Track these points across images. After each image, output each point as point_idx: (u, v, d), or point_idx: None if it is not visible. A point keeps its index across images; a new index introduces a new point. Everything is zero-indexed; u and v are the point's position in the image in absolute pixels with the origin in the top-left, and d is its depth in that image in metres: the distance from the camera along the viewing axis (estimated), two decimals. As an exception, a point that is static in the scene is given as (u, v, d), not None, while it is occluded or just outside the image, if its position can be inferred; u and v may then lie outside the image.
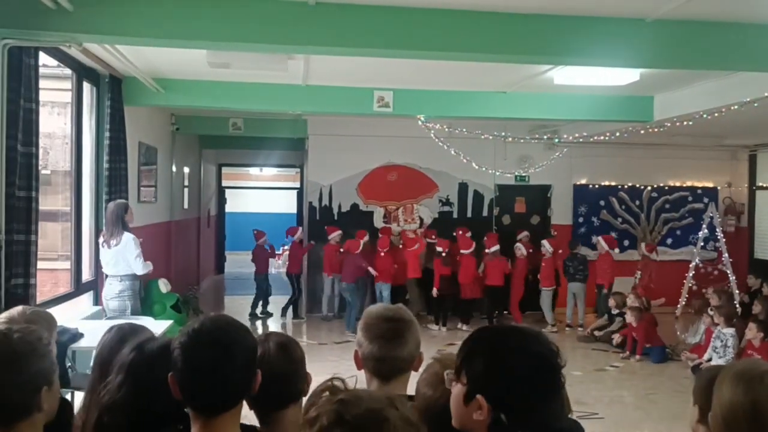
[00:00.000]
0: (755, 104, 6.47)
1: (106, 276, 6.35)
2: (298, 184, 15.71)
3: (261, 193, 21.09)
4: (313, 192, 11.84)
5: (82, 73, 6.77)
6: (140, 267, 6.23)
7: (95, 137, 7.13)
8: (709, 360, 8.13)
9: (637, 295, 9.67)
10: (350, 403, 1.28)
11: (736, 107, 6.78)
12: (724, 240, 11.69)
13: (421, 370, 2.25)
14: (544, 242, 10.86)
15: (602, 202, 12.50)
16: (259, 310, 11.51)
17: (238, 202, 20.05)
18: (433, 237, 10.99)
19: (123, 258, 6.20)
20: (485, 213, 12.19)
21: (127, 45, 5.83)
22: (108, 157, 7.03)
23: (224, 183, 17.21)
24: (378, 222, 11.88)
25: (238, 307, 12.70)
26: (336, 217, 11.75)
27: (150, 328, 2.66)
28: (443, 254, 10.58)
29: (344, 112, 8.49)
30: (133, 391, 2.00)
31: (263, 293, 11.53)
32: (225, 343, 1.79)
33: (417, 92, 8.28)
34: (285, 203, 19.90)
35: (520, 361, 1.64)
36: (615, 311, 10.07)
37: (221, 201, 17.10)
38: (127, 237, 6.24)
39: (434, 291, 10.66)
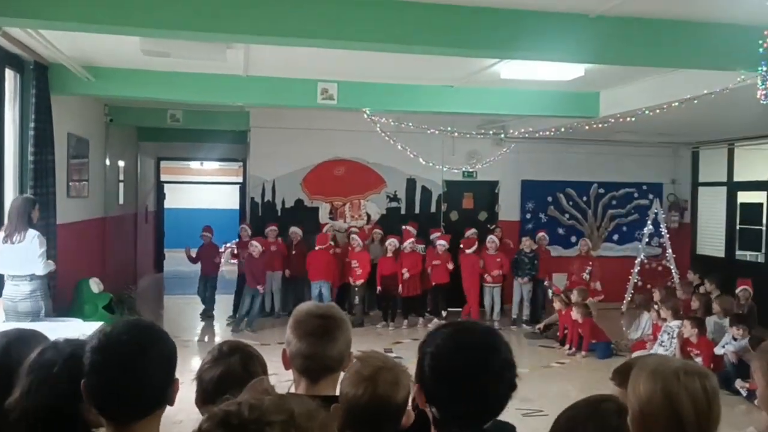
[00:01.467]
0: (695, 101, 6.68)
1: (10, 276, 6.00)
2: (240, 179, 15.54)
3: (202, 189, 20.80)
4: (256, 187, 11.73)
5: (4, 59, 6.52)
6: (41, 266, 5.94)
7: (19, 128, 6.88)
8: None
9: (582, 291, 9.87)
10: (249, 407, 1.15)
11: (676, 104, 7.00)
12: (668, 236, 12.09)
13: None
14: (492, 237, 10.99)
15: (549, 198, 12.74)
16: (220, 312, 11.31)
17: (178, 198, 19.70)
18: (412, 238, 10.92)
19: (27, 256, 5.92)
20: (433, 209, 12.28)
21: (53, 30, 5.63)
22: (33, 149, 6.79)
23: (163, 177, 16.89)
24: (324, 218, 11.85)
25: (177, 307, 12.49)
26: (279, 213, 11.67)
27: (50, 332, 2.33)
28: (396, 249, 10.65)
29: (287, 104, 8.43)
30: (43, 398, 1.91)
31: (211, 295, 11.30)
32: (137, 347, 1.74)
33: (362, 85, 8.28)
34: (227, 199, 19.66)
35: (448, 357, 1.66)
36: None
37: (160, 196, 16.78)
38: (32, 234, 5.95)
39: (378, 289, 10.79)
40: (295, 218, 11.47)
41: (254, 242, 10.32)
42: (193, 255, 11.13)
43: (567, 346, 9.43)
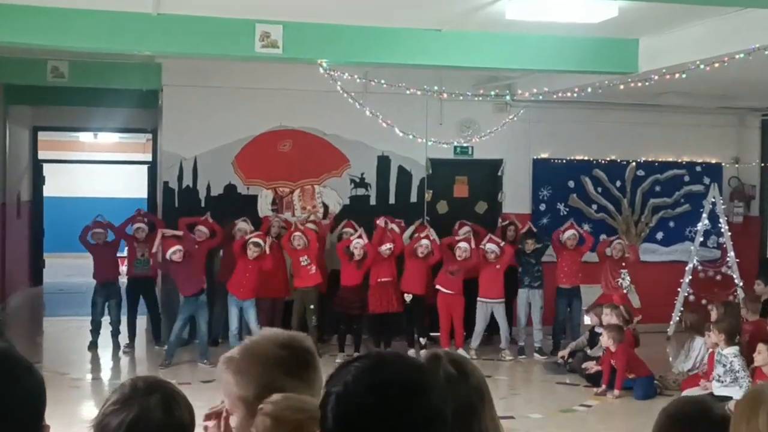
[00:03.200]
0: (766, 52, 6.77)
1: None
2: (149, 157, 15.45)
3: (96, 170, 20.58)
4: (171, 168, 11.69)
5: None
6: None
7: None
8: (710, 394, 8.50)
9: (615, 308, 9.98)
10: None
11: (741, 56, 7.07)
12: (729, 234, 12.29)
13: None
14: (491, 246, 11.03)
15: (572, 184, 12.86)
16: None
17: (62, 183, 19.48)
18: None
19: None
20: (414, 198, 12.32)
21: None
22: None
23: (41, 155, 16.70)
24: (265, 210, 11.84)
25: (62, 332, 12.38)
26: (203, 203, 11.63)
27: None
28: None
29: (214, 54, 8.40)
30: None
31: (117, 313, 11.25)
32: None
33: (317, 27, 8.26)
34: (131, 184, 19.50)
35: (358, 400, 1.68)
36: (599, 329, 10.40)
37: (37, 181, 16.60)
38: None
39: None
40: (224, 210, 11.42)
41: (175, 247, 10.29)
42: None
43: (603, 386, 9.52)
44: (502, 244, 11.15)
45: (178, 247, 10.28)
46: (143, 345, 11.61)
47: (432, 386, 1.74)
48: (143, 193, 15.93)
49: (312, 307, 10.80)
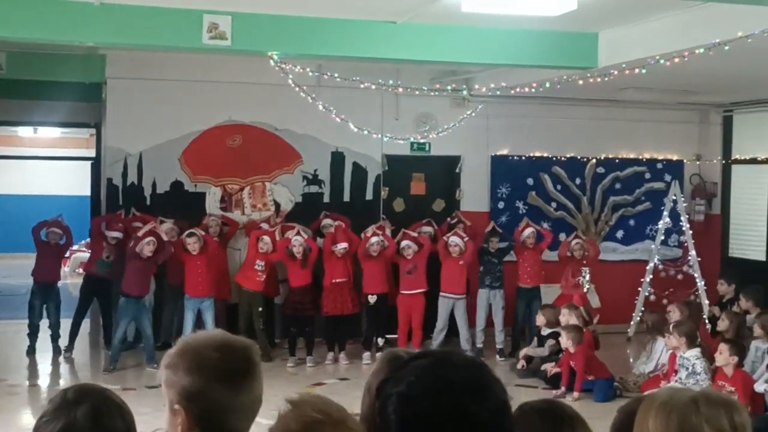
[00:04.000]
0: (726, 47, 6.88)
1: None
2: (92, 153, 15.28)
3: (35, 166, 20.35)
4: (115, 164, 11.59)
5: None
6: None
7: None
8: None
9: (574, 308, 10.08)
10: None
11: (701, 51, 7.19)
12: (691, 232, 12.47)
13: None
14: (456, 240, 11.08)
15: (531, 181, 12.97)
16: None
17: None
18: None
19: None
20: (370, 195, 12.35)
21: None
22: None
23: (-23, 150, 16.49)
24: (213, 208, 11.78)
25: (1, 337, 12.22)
26: (149, 201, 11.55)
27: None
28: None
29: (160, 46, 8.34)
30: None
31: (56, 316, 11.13)
32: None
33: (267, 18, 8.25)
34: (73, 181, 19.30)
35: (427, 401, 1.71)
36: (545, 331, 10.49)
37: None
38: None
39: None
40: (170, 208, 11.36)
41: (151, 238, 10.22)
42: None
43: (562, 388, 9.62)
44: (467, 239, 11.21)
45: (151, 239, 10.20)
46: (86, 349, 11.48)
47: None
48: (86, 191, 15.75)
49: (260, 309, 10.77)
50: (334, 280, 10.82)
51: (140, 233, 10.30)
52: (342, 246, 10.78)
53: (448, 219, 12.18)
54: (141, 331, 10.54)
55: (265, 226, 11.33)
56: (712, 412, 1.95)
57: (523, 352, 10.62)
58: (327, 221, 11.48)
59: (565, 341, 9.60)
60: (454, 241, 11.09)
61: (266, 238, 10.79)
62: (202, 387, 2.20)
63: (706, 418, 1.94)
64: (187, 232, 10.56)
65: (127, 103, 11.47)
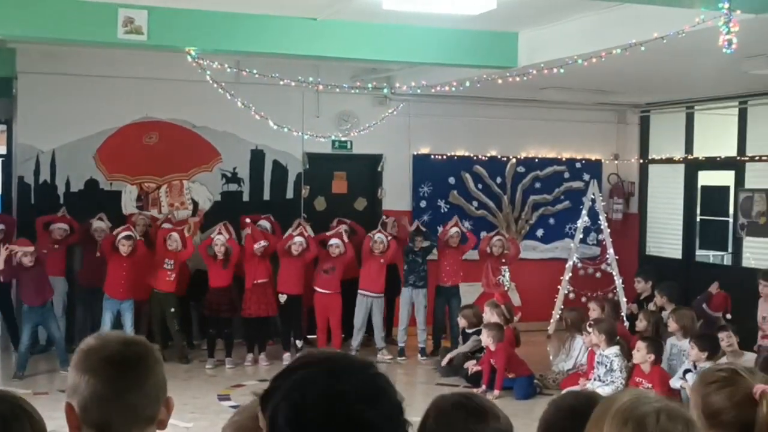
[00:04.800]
0: (642, 48, 7.04)
1: None
2: (3, 150, 14.95)
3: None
4: (27, 161, 11.37)
5: None
6: None
7: None
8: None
9: (495, 306, 10.19)
10: None
11: (618, 51, 7.33)
12: (609, 231, 12.73)
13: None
14: (380, 236, 11.10)
15: (452, 180, 13.07)
16: None
17: None
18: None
19: None
20: (290, 194, 12.30)
21: None
22: None
23: None
24: (129, 207, 11.63)
25: None
26: (62, 200, 11.34)
27: None
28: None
29: (73, 40, 8.19)
30: None
31: None
32: None
33: (184, 13, 8.18)
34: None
35: (319, 410, 1.68)
36: (470, 330, 10.59)
37: None
38: None
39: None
40: (85, 207, 11.15)
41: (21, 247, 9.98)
42: None
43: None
44: (390, 237, 11.24)
45: (30, 249, 9.95)
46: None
47: (387, 385, 1.76)
48: (-4, 189, 15.42)
49: (172, 311, 10.63)
50: (256, 281, 10.74)
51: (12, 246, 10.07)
52: (260, 244, 10.70)
53: (384, 218, 12.17)
54: (50, 336, 10.31)
55: (167, 225, 11.18)
56: (670, 426, 1.94)
57: (447, 357, 10.64)
58: (264, 222, 11.32)
59: (486, 339, 9.70)
60: (379, 237, 11.12)
61: (174, 235, 10.62)
62: (79, 380, 2.16)
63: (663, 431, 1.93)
64: (124, 233, 10.34)
65: (39, 98, 11.24)
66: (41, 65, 11.08)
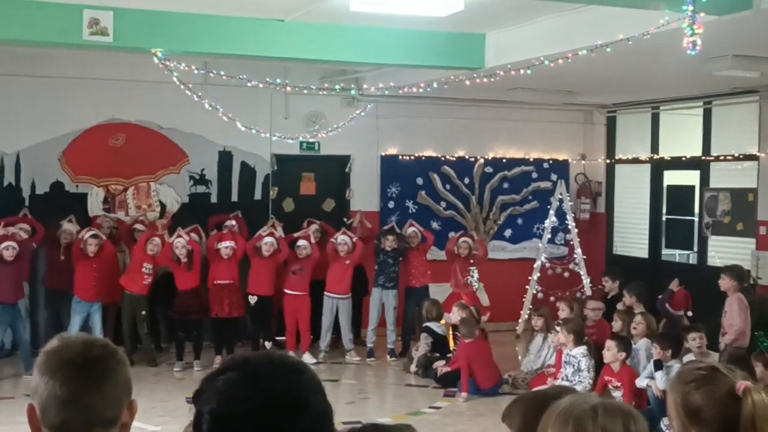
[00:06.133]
0: (608, 49, 7.10)
1: None
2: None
3: None
4: (-9, 164, 11.25)
5: None
6: None
7: None
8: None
9: (464, 307, 10.24)
10: None
11: (584, 53, 7.40)
12: (576, 231, 12.82)
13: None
14: (344, 238, 11.12)
15: (420, 180, 13.11)
16: None
17: None
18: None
19: None
20: (258, 195, 12.30)
21: None
22: None
23: None
24: (95, 209, 11.58)
25: None
26: (27, 202, 11.27)
27: None
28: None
29: (37, 41, 8.13)
30: None
31: None
32: None
33: (151, 14, 8.15)
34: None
35: (237, 415, 1.68)
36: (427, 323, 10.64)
37: None
38: None
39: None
40: (51, 210, 11.08)
41: (9, 242, 9.89)
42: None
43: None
44: (355, 238, 11.25)
45: (12, 243, 9.87)
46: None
47: (312, 388, 1.74)
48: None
49: (143, 313, 10.59)
50: (216, 282, 10.71)
51: None
52: (228, 244, 10.67)
53: (345, 219, 12.20)
54: (17, 338, 10.22)
55: (139, 227, 11.14)
56: (608, 421, 1.99)
57: (415, 360, 10.66)
58: (231, 222, 11.28)
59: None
60: (343, 239, 11.12)
61: (156, 240, 10.63)
62: (39, 382, 2.15)
63: (602, 427, 1.98)
64: (90, 233, 10.29)
65: (3, 100, 11.15)
66: (5, 66, 10.98)
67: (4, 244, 9.84)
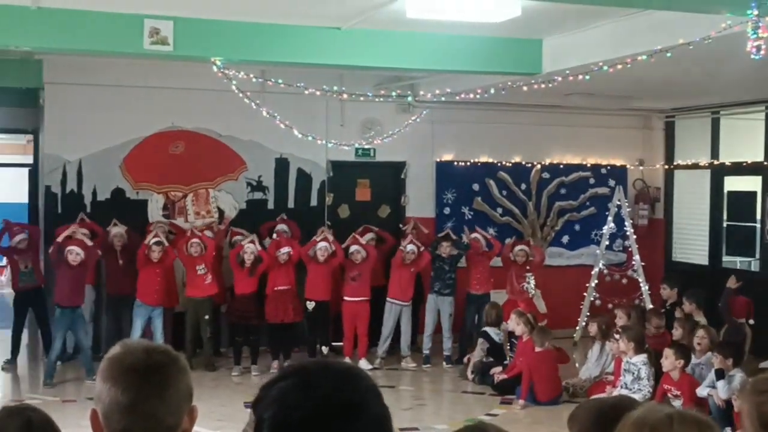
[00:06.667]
0: (668, 54, 7.01)
1: None
2: (30, 159, 15.07)
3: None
4: (54, 171, 11.45)
5: None
6: None
7: None
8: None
9: (521, 315, 10.16)
10: None
11: (644, 58, 7.31)
12: (635, 237, 12.66)
13: None
14: (412, 247, 11.12)
15: (476, 186, 13.05)
16: None
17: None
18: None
19: None
20: (314, 202, 12.34)
21: None
22: None
23: None
24: (155, 215, 11.69)
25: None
26: (89, 209, 11.41)
27: None
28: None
29: (99, 51, 8.24)
30: None
31: None
32: None
33: (210, 23, 8.23)
34: (10, 188, 18.98)
35: (293, 421, 1.69)
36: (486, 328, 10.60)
37: None
38: None
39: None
40: (112, 216, 11.21)
41: (73, 247, 10.06)
42: None
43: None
44: (422, 248, 11.24)
45: (77, 248, 10.04)
46: (25, 361, 11.29)
47: (368, 394, 1.75)
48: (23, 198, 15.53)
49: (207, 317, 10.69)
50: (276, 288, 10.78)
51: (60, 238, 10.17)
52: (285, 250, 10.74)
53: (401, 225, 12.19)
54: (78, 342, 10.39)
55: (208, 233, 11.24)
56: (684, 431, 1.97)
57: (471, 366, 10.61)
58: (281, 226, 11.39)
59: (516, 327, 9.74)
60: (411, 248, 11.13)
61: (194, 241, 10.71)
62: (102, 388, 2.17)
63: None
64: (154, 239, 10.45)
65: (66, 109, 11.33)
66: (68, 76, 11.17)
67: (69, 248, 10.02)
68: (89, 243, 10.27)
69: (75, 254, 10.00)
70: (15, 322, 11.02)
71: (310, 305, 10.92)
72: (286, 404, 1.70)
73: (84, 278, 10.37)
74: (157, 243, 10.43)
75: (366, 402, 1.73)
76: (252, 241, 10.78)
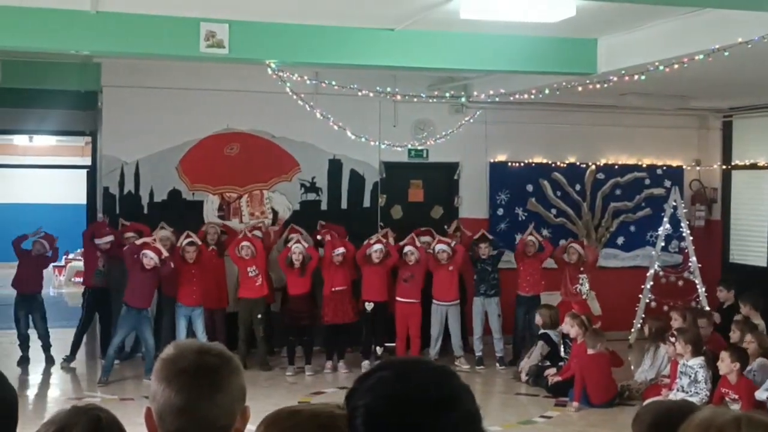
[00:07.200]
0: (726, 53, 6.92)
1: None
2: (88, 161, 15.31)
3: (31, 175, 20.35)
4: (112, 173, 11.61)
5: None
6: None
7: None
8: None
9: (575, 317, 10.09)
10: None
11: (701, 57, 7.22)
12: (691, 238, 12.50)
13: None
14: (441, 246, 11.10)
15: (530, 187, 12.99)
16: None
17: (-5, 189, 19.28)
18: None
19: None
20: (367, 203, 12.37)
21: None
22: None
23: (-28, 159, 16.51)
24: (211, 216, 11.80)
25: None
26: (146, 210, 11.58)
27: None
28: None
29: (156, 54, 8.34)
30: None
31: (44, 327, 11.15)
32: None
33: (264, 26, 8.28)
34: (69, 189, 19.31)
35: (389, 412, 1.71)
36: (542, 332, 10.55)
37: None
38: None
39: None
40: (169, 217, 11.36)
41: (148, 252, 10.22)
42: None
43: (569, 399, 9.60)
44: (453, 243, 11.21)
45: (152, 253, 10.21)
46: (83, 360, 11.46)
47: (461, 391, 1.78)
48: (82, 199, 15.78)
49: (260, 317, 10.78)
50: (334, 289, 10.83)
51: (138, 242, 10.34)
52: (340, 251, 10.78)
53: (446, 227, 12.19)
54: (143, 342, 10.55)
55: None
56: None
57: (523, 367, 10.57)
58: (292, 235, 11.34)
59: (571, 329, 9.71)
60: (440, 248, 11.10)
61: (245, 244, 10.77)
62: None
63: None
64: (186, 240, 10.57)
65: (123, 111, 11.49)
66: (125, 79, 11.33)
67: (144, 251, 10.18)
68: (165, 253, 10.37)
69: (149, 258, 10.16)
70: (84, 319, 11.21)
71: (369, 306, 10.94)
72: (381, 393, 1.76)
73: (155, 283, 10.54)
74: (190, 243, 10.52)
75: (459, 398, 1.78)
76: (298, 241, 10.83)
